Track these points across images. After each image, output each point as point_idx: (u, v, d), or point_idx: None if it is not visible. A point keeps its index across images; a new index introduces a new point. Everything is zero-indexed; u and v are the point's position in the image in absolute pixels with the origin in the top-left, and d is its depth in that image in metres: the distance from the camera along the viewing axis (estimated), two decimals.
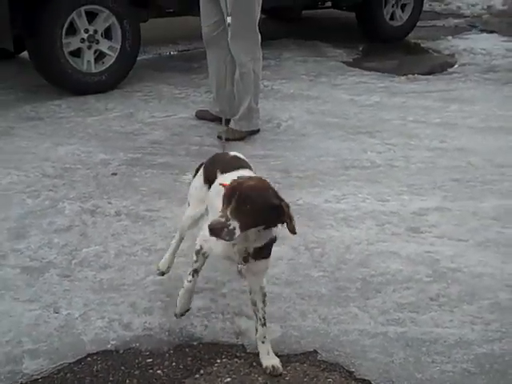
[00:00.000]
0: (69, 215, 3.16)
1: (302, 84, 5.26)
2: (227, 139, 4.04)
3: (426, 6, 7.53)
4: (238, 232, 1.92)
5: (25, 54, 5.11)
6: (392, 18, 6.80)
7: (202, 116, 4.40)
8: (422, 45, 6.82)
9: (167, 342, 2.32)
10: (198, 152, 3.90)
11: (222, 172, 2.28)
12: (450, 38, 6.97)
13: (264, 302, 2.22)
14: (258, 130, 4.23)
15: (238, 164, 2.33)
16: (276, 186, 3.41)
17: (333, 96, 4.98)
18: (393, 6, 6.78)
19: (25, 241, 2.93)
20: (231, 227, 1.91)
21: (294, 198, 3.40)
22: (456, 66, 5.96)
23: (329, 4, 6.86)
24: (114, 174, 3.61)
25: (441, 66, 5.96)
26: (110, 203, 3.29)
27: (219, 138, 4.03)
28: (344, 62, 6.02)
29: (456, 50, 6.44)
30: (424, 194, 3.45)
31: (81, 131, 4.17)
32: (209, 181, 2.37)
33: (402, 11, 6.87)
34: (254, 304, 2.23)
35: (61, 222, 3.09)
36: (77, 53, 4.78)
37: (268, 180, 2.15)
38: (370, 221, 3.18)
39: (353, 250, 2.92)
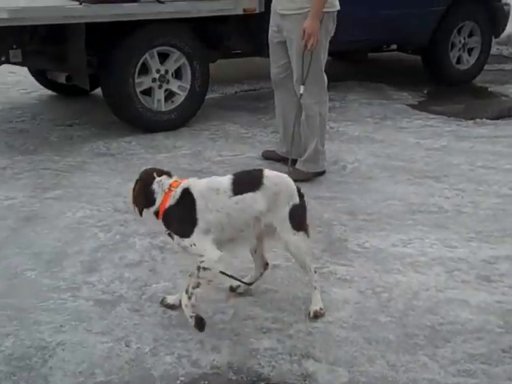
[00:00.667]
0: (139, 250, 3.24)
1: (368, 126, 5.27)
2: (293, 180, 4.10)
3: (493, 50, 7.46)
4: None
5: (98, 90, 5.31)
6: (459, 61, 6.77)
7: (268, 156, 4.46)
8: (489, 89, 6.76)
9: (235, 381, 2.33)
10: None
11: None
12: None
13: None
14: (323, 172, 4.25)
15: None
16: (342, 229, 3.51)
17: (398, 139, 4.97)
18: (459, 50, 6.74)
19: (97, 274, 3.02)
20: None
21: (360, 240, 3.41)
22: None
23: (394, 47, 6.88)
24: None
25: (509, 111, 5.87)
26: None
27: None
28: (409, 105, 6.01)
29: None
30: (493, 241, 3.39)
31: None
32: None
33: (469, 55, 6.82)
34: None
35: (131, 257, 3.17)
36: (148, 92, 4.94)
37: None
38: (438, 267, 3.14)
39: (421, 297, 2.89)
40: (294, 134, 4.01)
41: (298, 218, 2.66)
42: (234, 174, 2.68)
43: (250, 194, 2.58)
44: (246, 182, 2.64)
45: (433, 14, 6.35)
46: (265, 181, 2.63)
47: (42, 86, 5.88)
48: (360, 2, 5.80)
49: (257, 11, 5.13)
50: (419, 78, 6.84)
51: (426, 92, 6.52)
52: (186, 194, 2.59)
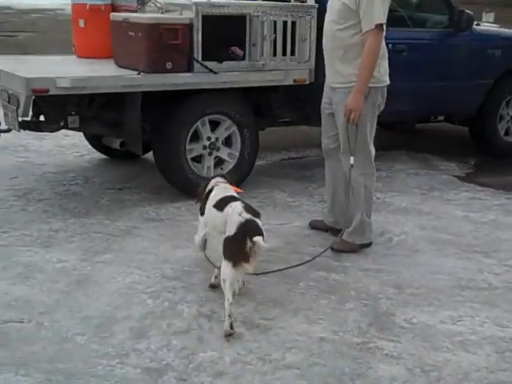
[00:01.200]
0: (187, 318, 3.27)
1: (414, 198, 5.27)
2: (340, 250, 4.12)
3: None
4: None
5: (148, 155, 5.45)
6: (507, 133, 6.75)
7: (315, 226, 4.49)
8: None
9: None
10: (311, 263, 3.95)
11: None
12: None
13: None
14: (370, 243, 4.25)
15: None
16: (389, 302, 3.48)
17: (446, 211, 4.95)
18: (508, 122, 6.74)
19: (145, 341, 3.05)
20: None
21: (408, 315, 3.38)
22: None
23: (441, 118, 6.91)
24: None
25: None
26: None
27: (332, 249, 4.09)
28: (456, 177, 5.99)
29: None
30: None
31: None
32: None
33: None
34: None
35: (179, 325, 3.20)
36: (198, 158, 5.05)
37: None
38: (489, 347, 3.09)
39: (471, 377, 2.85)
40: (344, 204, 4.05)
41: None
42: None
43: (219, 212, 3.40)
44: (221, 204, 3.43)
45: (481, 86, 6.39)
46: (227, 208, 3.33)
47: (94, 150, 6.07)
48: (409, 74, 5.90)
49: (307, 82, 5.25)
50: (466, 149, 6.83)
51: (473, 163, 6.50)
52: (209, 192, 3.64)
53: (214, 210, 3.46)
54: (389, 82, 4.13)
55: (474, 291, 3.67)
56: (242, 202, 3.38)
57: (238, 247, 3.12)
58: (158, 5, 5.04)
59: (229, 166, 5.13)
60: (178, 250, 4.11)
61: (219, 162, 5.13)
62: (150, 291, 3.54)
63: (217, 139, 5.04)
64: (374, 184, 4.26)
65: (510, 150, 6.75)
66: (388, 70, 4.11)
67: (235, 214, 3.22)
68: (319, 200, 5.04)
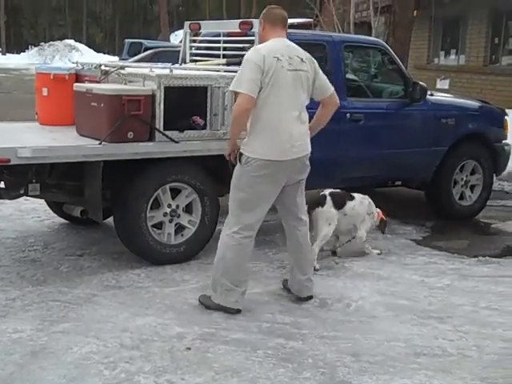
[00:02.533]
0: None
1: (373, 262, 5.36)
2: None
3: (495, 185, 7.68)
4: None
5: (109, 219, 5.46)
6: (461, 197, 6.97)
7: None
8: (491, 225, 6.89)
9: None
10: (269, 330, 3.99)
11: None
12: None
13: None
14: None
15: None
16: (346, 370, 3.52)
17: (403, 276, 5.05)
18: (462, 186, 6.96)
19: None
20: None
21: None
22: None
23: (399, 182, 7.10)
24: (189, 348, 3.71)
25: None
26: (183, 379, 3.38)
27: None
28: (413, 240, 6.13)
29: None
30: None
31: (158, 302, 4.34)
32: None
33: (472, 191, 7.03)
34: None
35: None
36: (159, 225, 5.09)
37: None
38: None
39: None
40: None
41: None
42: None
43: None
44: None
45: (436, 153, 6.63)
46: None
47: (55, 214, 6.07)
48: (366, 142, 6.11)
49: None
50: (423, 211, 7.01)
51: (429, 226, 6.67)
52: None
53: None
54: (273, 159, 4.06)
55: (428, 358, 3.73)
56: None
57: None
58: (121, 75, 5.15)
59: (189, 233, 5.17)
60: (138, 317, 4.10)
61: (180, 228, 5.18)
62: (107, 361, 3.52)
63: (177, 206, 5.10)
64: (236, 253, 4.21)
65: (464, 213, 6.96)
66: (278, 147, 4.06)
67: None
68: (278, 266, 5.11)
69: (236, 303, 4.21)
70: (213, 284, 4.28)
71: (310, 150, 4.26)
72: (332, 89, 4.38)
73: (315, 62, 4.31)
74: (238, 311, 4.20)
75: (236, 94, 4.12)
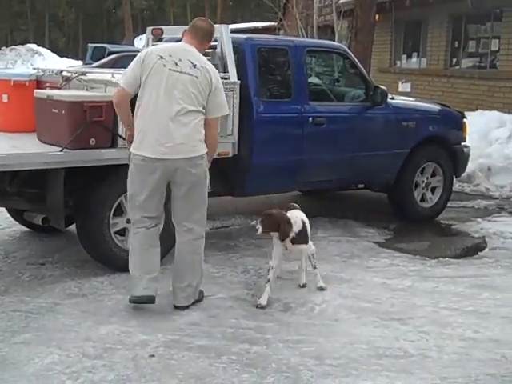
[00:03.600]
0: None
1: (336, 265, 5.42)
2: None
3: (455, 187, 7.82)
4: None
5: (72, 227, 5.41)
6: (423, 199, 7.08)
7: None
8: (452, 226, 7.00)
9: None
10: (233, 335, 4.01)
11: None
12: (479, 220, 7.15)
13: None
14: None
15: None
16: (309, 374, 3.55)
17: (365, 279, 5.11)
18: (423, 188, 7.07)
19: None
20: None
21: None
22: (486, 249, 6.07)
23: (361, 185, 7.18)
24: (152, 355, 3.71)
25: (471, 250, 6.09)
26: None
27: None
28: (376, 243, 6.20)
29: (486, 232, 6.59)
30: None
31: (121, 309, 4.33)
32: None
33: (432, 193, 7.15)
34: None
35: None
36: (122, 232, 5.06)
37: None
38: None
39: None
40: None
41: None
42: None
43: None
44: None
45: (397, 156, 6.72)
46: None
47: (16, 222, 5.99)
48: (328, 145, 6.17)
49: (230, 155, 5.41)
50: (386, 214, 7.10)
51: (392, 228, 6.75)
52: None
53: None
54: (138, 154, 4.19)
55: (390, 359, 3.79)
56: None
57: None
58: (83, 81, 5.12)
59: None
60: (101, 326, 4.08)
61: None
62: (69, 371, 3.50)
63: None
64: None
65: (425, 215, 7.07)
66: (146, 144, 4.16)
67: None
68: (242, 270, 5.13)
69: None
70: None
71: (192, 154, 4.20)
72: (220, 114, 4.38)
73: (217, 77, 4.29)
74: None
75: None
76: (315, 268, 4.82)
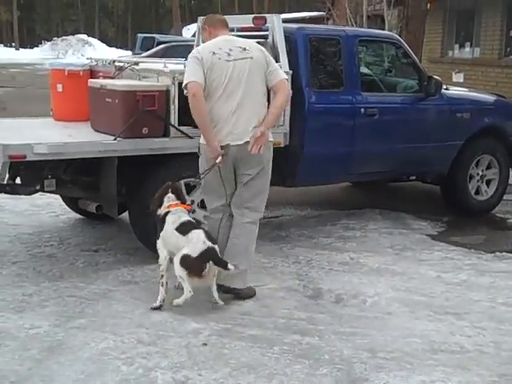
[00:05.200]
0: None
1: (388, 258, 5.34)
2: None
3: (511, 180, 7.61)
4: None
5: (124, 215, 5.46)
6: (477, 192, 6.91)
7: None
8: (508, 220, 6.84)
9: None
10: (285, 326, 3.99)
11: None
12: None
13: None
14: None
15: None
16: (363, 367, 3.51)
17: (418, 272, 5.01)
18: (478, 181, 6.91)
19: None
20: None
21: (381, 381, 3.41)
22: None
23: (413, 177, 7.06)
24: (205, 344, 3.72)
25: None
26: (200, 375, 3.38)
27: None
28: (429, 235, 6.08)
29: None
30: None
31: (173, 298, 4.33)
32: None
33: (488, 186, 6.97)
34: None
35: None
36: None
37: None
38: None
39: None
40: None
41: None
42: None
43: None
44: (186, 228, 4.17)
45: (451, 147, 6.56)
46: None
47: (70, 209, 6.09)
48: (381, 137, 6.07)
49: (282, 145, 5.37)
50: (439, 206, 6.96)
51: (445, 221, 6.61)
52: (166, 215, 4.28)
53: (177, 233, 4.18)
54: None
55: (446, 354, 3.71)
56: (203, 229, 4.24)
57: (197, 267, 4.04)
58: (135, 71, 5.15)
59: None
60: (154, 313, 4.11)
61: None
62: (124, 357, 3.53)
63: (192, 202, 5.10)
64: None
65: (480, 208, 6.90)
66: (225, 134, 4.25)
67: (200, 241, 4.07)
68: (294, 261, 5.10)
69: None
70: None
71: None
72: (284, 76, 4.43)
73: (263, 49, 4.41)
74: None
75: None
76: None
